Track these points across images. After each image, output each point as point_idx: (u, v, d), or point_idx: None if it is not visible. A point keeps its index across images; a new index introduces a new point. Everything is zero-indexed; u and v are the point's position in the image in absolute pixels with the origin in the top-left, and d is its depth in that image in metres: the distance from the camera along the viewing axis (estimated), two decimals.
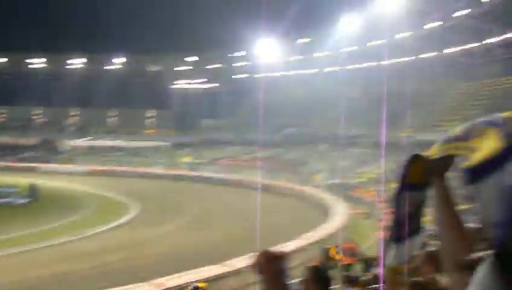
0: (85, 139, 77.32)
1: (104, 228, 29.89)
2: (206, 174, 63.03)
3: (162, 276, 14.73)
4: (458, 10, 46.54)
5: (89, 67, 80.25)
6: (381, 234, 24.02)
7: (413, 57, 61.35)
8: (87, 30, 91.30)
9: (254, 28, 60.70)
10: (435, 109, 54.74)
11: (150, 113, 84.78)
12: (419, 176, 1.87)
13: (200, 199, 44.63)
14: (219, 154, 69.57)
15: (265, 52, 67.02)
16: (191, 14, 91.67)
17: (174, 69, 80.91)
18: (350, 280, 9.03)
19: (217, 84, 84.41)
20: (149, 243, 25.72)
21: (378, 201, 36.68)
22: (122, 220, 33.29)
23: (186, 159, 69.04)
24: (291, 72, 77.98)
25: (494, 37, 50.45)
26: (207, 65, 79.29)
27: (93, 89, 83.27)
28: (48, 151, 75.97)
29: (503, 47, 51.66)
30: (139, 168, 68.51)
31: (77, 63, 78.52)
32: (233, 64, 77.47)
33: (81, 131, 78.57)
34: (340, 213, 29.82)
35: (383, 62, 65.37)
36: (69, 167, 68.90)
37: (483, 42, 52.19)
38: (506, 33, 48.81)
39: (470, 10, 45.72)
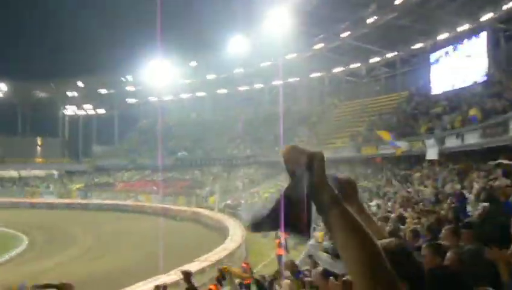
0: None
1: None
2: (99, 201, 61.71)
3: None
4: (342, 32, 48.36)
5: None
6: (278, 252, 24.53)
7: (302, 78, 63.04)
8: None
9: (145, 52, 60.58)
10: (323, 127, 56.43)
11: (39, 140, 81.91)
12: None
13: (94, 226, 43.54)
14: (112, 180, 68.33)
15: (156, 76, 66.74)
16: (81, 37, 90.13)
17: (64, 94, 78.72)
18: None
19: (108, 109, 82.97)
20: (39, 277, 24.80)
21: None
22: (12, 253, 31.95)
23: (78, 187, 67.30)
24: (183, 95, 78.02)
25: (376, 57, 52.89)
26: (97, 89, 77.78)
27: None
28: None
29: (385, 66, 54.23)
30: (30, 198, 66.15)
31: None
32: (124, 89, 76.47)
33: None
34: (236, 234, 30.04)
35: (274, 82, 66.83)
36: None
37: (367, 62, 54.54)
38: (386, 54, 51.32)
39: (352, 32, 47.57)
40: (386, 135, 35.19)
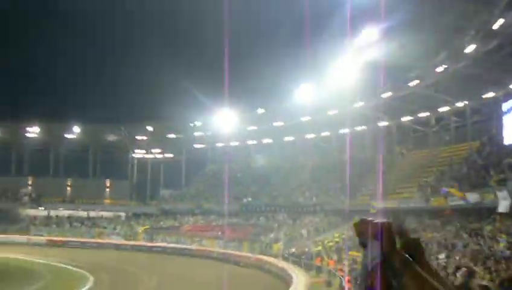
0: (41, 208, 75.87)
1: None
2: (164, 244, 62.26)
3: None
4: (411, 80, 47.93)
5: (45, 136, 79.37)
6: None
7: (369, 126, 62.62)
8: (43, 98, 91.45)
9: (213, 98, 61.51)
10: (390, 176, 55.62)
11: (108, 182, 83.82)
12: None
13: (159, 270, 43.86)
14: (177, 223, 68.93)
15: (224, 122, 67.61)
16: (152, 84, 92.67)
17: (133, 138, 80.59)
18: None
19: (175, 154, 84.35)
20: None
21: (338, 269, 36.74)
22: None
23: (144, 229, 68.17)
24: (250, 142, 78.62)
25: (445, 106, 52.09)
26: (166, 134, 79.28)
27: (49, 158, 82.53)
28: (5, 220, 74.31)
29: (454, 116, 53.30)
30: (97, 238, 67.51)
31: (33, 131, 77.57)
32: (191, 134, 77.65)
33: (38, 200, 77.04)
34: (300, 282, 29.65)
35: (341, 131, 66.61)
36: (26, 237, 67.34)
37: (436, 111, 53.76)
38: (455, 103, 50.48)
39: (421, 80, 47.11)
40: (455, 192, 34.42)
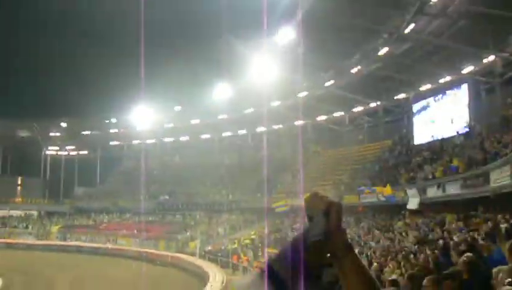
0: None
1: None
2: (78, 243, 60.98)
3: None
4: (327, 80, 48.92)
5: None
6: None
7: (286, 125, 63.42)
8: None
9: (130, 95, 60.80)
10: (306, 174, 56.55)
11: (19, 180, 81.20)
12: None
13: (72, 270, 42.89)
14: (92, 222, 67.66)
15: (140, 119, 66.84)
16: (66, 79, 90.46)
17: (46, 134, 78.37)
18: None
19: (90, 151, 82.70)
20: None
21: (254, 266, 37.13)
22: None
23: (58, 228, 66.50)
24: (166, 139, 78.09)
25: (359, 106, 53.48)
26: (80, 131, 77.57)
27: None
28: None
29: (367, 115, 54.81)
30: (7, 238, 65.31)
31: None
32: (107, 131, 76.31)
33: None
34: (217, 280, 29.76)
35: (258, 129, 67.16)
36: None
37: (350, 111, 55.08)
38: (369, 103, 51.95)
39: (336, 81, 48.17)
40: (388, 190, 35.26)
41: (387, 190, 35.11)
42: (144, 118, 66.49)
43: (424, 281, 6.64)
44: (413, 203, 30.33)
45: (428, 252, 15.98)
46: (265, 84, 47.41)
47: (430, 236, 22.57)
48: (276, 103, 56.02)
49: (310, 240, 1.54)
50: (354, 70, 44.72)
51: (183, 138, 76.79)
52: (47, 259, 50.45)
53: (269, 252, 42.37)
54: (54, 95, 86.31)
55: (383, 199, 34.55)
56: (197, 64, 64.19)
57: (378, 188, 36.41)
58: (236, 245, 47.12)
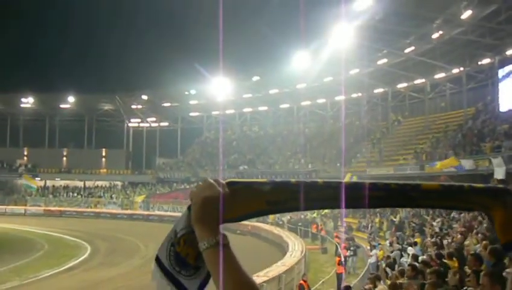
0: (38, 179, 76.04)
1: (57, 270, 29.24)
2: (161, 212, 62.57)
3: None
4: (407, 47, 47.61)
5: (40, 107, 79.09)
6: (338, 270, 24.23)
7: (365, 93, 62.47)
8: (36, 69, 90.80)
9: (209, 66, 61.07)
10: (386, 143, 55.72)
11: (104, 152, 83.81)
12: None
13: (156, 238, 43.77)
14: (174, 192, 69.06)
15: (219, 90, 67.20)
16: (146, 52, 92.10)
17: (128, 107, 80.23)
18: None
19: (171, 123, 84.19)
20: (103, 285, 25.23)
21: (334, 236, 37.01)
22: (76, 261, 32.65)
23: (141, 198, 68.37)
24: (245, 110, 78.45)
25: (441, 73, 51.82)
26: (161, 103, 78.95)
27: (45, 129, 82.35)
28: (1, 191, 74.77)
29: (450, 82, 53.14)
30: (94, 208, 67.85)
31: (28, 102, 77.18)
32: (187, 102, 77.30)
33: (34, 171, 77.16)
34: (296, 249, 29.84)
35: (337, 98, 66.46)
36: (23, 208, 67.69)
37: (432, 78, 53.51)
38: (451, 69, 50.22)
39: (416, 47, 46.81)
40: (453, 161, 34.41)
41: (450, 161, 34.16)
42: (222, 89, 66.82)
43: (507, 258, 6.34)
44: (499, 173, 29.26)
45: None
46: (344, 52, 46.62)
47: None
48: (355, 71, 55.11)
49: (177, 234, 1.58)
50: (436, 35, 43.27)
51: (262, 108, 76.99)
52: (131, 228, 52.08)
53: (348, 222, 42.20)
54: (135, 69, 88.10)
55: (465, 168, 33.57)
56: (275, 32, 63.76)
57: (439, 163, 35.49)
58: (315, 215, 47.08)
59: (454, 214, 27.20)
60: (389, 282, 11.51)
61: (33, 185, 71.83)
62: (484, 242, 12.79)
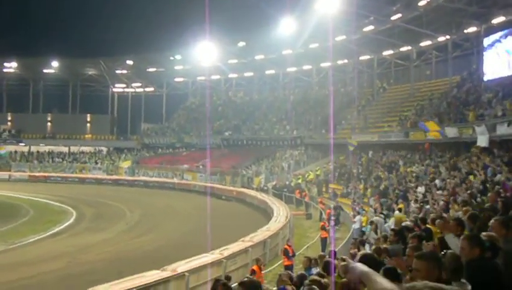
0: (22, 144, 75.72)
1: (43, 235, 29.35)
2: (146, 178, 62.70)
3: (103, 283, 14.42)
4: (393, 14, 47.45)
5: (24, 71, 78.36)
6: (322, 234, 24.55)
7: (351, 60, 62.46)
8: (21, 33, 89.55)
9: (194, 31, 60.66)
10: (371, 110, 55.95)
11: (89, 117, 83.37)
12: None
13: (141, 203, 44.30)
14: (158, 158, 69.09)
15: (205, 55, 66.83)
16: (130, 17, 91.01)
17: (113, 72, 79.69)
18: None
19: (156, 88, 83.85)
20: (89, 250, 25.38)
21: (318, 202, 37.37)
22: (62, 227, 32.76)
23: (126, 164, 68.39)
24: (231, 75, 78.20)
25: (427, 40, 51.77)
26: (146, 68, 78.51)
27: (29, 94, 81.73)
28: None
29: (436, 50, 53.20)
30: (79, 173, 67.81)
31: (11, 66, 76.40)
32: (172, 68, 76.89)
33: (18, 136, 76.80)
34: (281, 215, 30.12)
35: (323, 64, 66.38)
36: (7, 173, 67.45)
37: (417, 45, 53.49)
38: (437, 37, 50.18)
39: (403, 14, 46.66)
40: (433, 126, 34.75)
41: (433, 125, 34.58)
42: (208, 54, 66.46)
43: (491, 222, 6.51)
44: (482, 141, 29.54)
45: (495, 192, 15.69)
46: (331, 19, 46.43)
47: (499, 176, 22.10)
48: (341, 38, 54.95)
49: None
50: (423, 3, 43.15)
51: (248, 74, 76.78)
52: (116, 193, 52.19)
53: (333, 187, 42.56)
54: (119, 33, 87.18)
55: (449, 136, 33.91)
56: None
57: (427, 123, 35.93)
58: (300, 181, 47.43)
59: (437, 181, 27.60)
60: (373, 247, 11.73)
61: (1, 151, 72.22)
62: (465, 208, 13.03)
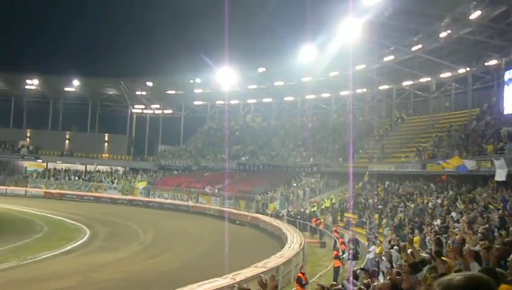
0: (40, 161, 76.29)
1: (56, 252, 29.38)
2: (161, 199, 62.79)
3: None
4: (414, 45, 47.44)
5: (45, 89, 79.21)
6: (335, 263, 24.32)
7: (370, 89, 62.47)
8: (42, 51, 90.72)
9: (215, 55, 61.06)
10: (389, 140, 55.73)
11: (106, 136, 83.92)
12: None
13: (155, 224, 44.32)
14: (174, 180, 69.19)
15: (225, 80, 67.16)
16: (152, 39, 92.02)
17: (133, 93, 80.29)
18: None
19: (174, 110, 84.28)
20: (102, 269, 25.34)
21: (333, 230, 37.08)
22: (75, 244, 32.80)
23: (142, 184, 68.56)
24: (250, 100, 78.47)
25: (447, 72, 51.64)
26: (165, 90, 79.04)
27: (48, 111, 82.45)
28: (3, 172, 75.04)
29: (455, 82, 53.03)
30: (94, 192, 68.11)
31: (32, 83, 77.26)
32: (191, 91, 77.28)
33: (36, 153, 77.45)
34: (295, 242, 29.93)
35: (342, 93, 66.40)
36: (23, 189, 67.93)
37: (437, 76, 53.36)
38: (457, 69, 50.01)
39: (423, 45, 46.62)
40: (457, 161, 34.51)
41: (455, 160, 34.31)
42: (228, 79, 66.80)
43: (510, 257, 6.40)
44: (500, 175, 29.26)
45: None
46: (351, 48, 46.52)
47: None
48: (361, 67, 54.99)
49: None
50: (444, 34, 43.11)
51: (266, 100, 77.03)
52: (130, 213, 52.28)
53: (348, 216, 42.27)
54: (141, 55, 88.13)
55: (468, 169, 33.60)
56: (283, 25, 63.69)
57: (443, 163, 35.70)
58: (315, 208, 47.18)
59: (453, 214, 27.31)
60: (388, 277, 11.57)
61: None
62: (482, 242, 12.84)
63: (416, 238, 23.78)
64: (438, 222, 26.90)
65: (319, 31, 49.48)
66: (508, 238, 12.26)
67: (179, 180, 68.20)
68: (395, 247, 22.35)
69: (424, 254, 14.38)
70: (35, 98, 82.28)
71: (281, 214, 48.31)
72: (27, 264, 25.80)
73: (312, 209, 46.95)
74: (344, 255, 26.69)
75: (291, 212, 47.90)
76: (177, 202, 61.19)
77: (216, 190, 59.64)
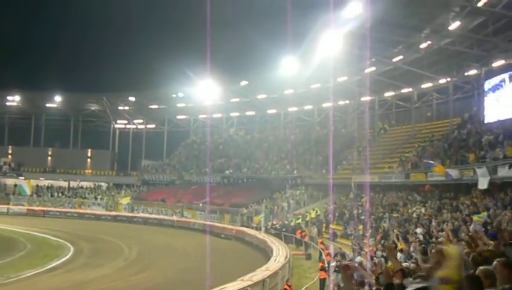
0: (22, 178, 75.63)
1: (40, 270, 29.08)
2: (145, 215, 62.50)
3: None
4: (395, 56, 47.79)
5: (26, 105, 78.69)
6: (321, 275, 24.31)
7: (352, 101, 62.80)
8: (23, 67, 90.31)
9: (197, 69, 61.05)
10: (372, 151, 55.92)
11: (89, 152, 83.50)
12: None
13: (140, 240, 44.07)
14: (158, 195, 68.94)
15: (207, 94, 67.24)
16: (134, 54, 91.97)
17: (115, 108, 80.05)
18: None
19: (157, 125, 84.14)
20: (86, 286, 25.11)
21: (318, 242, 37.09)
22: (59, 262, 32.50)
23: (125, 200, 68.23)
24: (232, 114, 78.57)
25: (428, 82, 52.05)
26: (148, 105, 78.94)
27: (30, 127, 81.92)
28: None
29: (436, 92, 53.50)
30: (78, 208, 67.66)
31: (13, 100, 76.72)
32: (174, 105, 77.22)
33: (18, 170, 76.87)
34: (280, 255, 29.86)
35: (324, 105, 66.64)
36: (5, 207, 67.28)
37: (419, 87, 53.76)
38: (438, 79, 50.43)
39: (404, 56, 46.99)
40: (440, 170, 34.74)
41: (439, 168, 34.58)
42: (210, 93, 66.89)
43: (494, 263, 6.43)
44: (483, 183, 29.51)
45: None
46: (332, 60, 46.79)
47: (500, 217, 22.00)
48: (343, 79, 55.29)
49: None
50: (424, 45, 43.49)
51: (249, 113, 77.14)
52: (114, 229, 51.95)
53: (333, 228, 42.30)
54: (123, 70, 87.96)
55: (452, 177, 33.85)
56: (264, 38, 63.83)
57: (436, 163, 35.98)
58: (300, 221, 47.19)
59: (437, 223, 27.44)
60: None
61: (28, 190, 72.08)
62: (466, 250, 12.90)
63: (402, 247, 23.87)
64: (420, 230, 27.03)
65: (300, 43, 49.70)
66: (491, 247, 12.32)
67: (162, 194, 67.95)
68: (381, 256, 22.44)
69: (409, 264, 14.44)
70: (17, 114, 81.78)
71: (266, 227, 48.31)
72: (11, 282, 25.48)
73: (297, 222, 46.96)
74: (332, 265, 26.70)
75: (276, 225, 47.88)
76: (162, 216, 60.98)
77: (200, 204, 59.49)
